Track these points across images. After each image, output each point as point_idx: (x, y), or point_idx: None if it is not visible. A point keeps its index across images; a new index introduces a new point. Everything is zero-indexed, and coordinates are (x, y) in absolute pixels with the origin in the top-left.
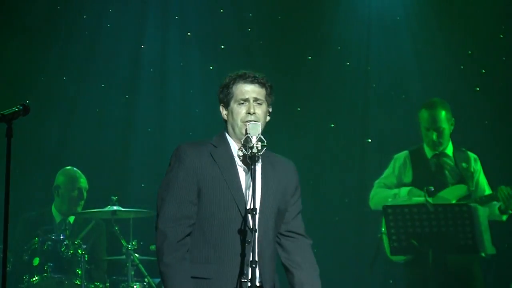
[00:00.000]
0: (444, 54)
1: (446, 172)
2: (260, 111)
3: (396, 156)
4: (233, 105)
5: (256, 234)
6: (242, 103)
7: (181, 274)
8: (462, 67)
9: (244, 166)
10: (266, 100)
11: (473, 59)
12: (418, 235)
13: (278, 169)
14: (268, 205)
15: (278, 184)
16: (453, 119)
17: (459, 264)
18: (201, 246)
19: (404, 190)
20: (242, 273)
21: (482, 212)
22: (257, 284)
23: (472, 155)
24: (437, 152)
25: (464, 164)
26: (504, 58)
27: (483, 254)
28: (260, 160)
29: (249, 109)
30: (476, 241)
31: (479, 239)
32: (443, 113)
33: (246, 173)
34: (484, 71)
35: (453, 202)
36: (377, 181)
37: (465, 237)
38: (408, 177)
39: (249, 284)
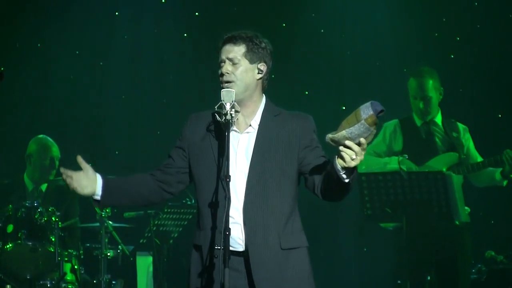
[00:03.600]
0: (418, 22)
1: (437, 139)
2: (236, 70)
3: (386, 124)
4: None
5: (239, 200)
6: (221, 66)
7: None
8: (436, 34)
9: (238, 131)
10: (246, 58)
11: (448, 27)
12: (392, 203)
13: (282, 127)
14: (259, 166)
15: (277, 142)
16: (442, 88)
17: (432, 232)
18: (199, 214)
19: (395, 160)
20: (214, 240)
21: (457, 180)
22: (240, 249)
23: (461, 126)
24: (426, 121)
25: (454, 134)
26: (478, 26)
27: (457, 222)
28: (259, 121)
29: (221, 70)
30: (450, 209)
31: (454, 207)
32: (430, 82)
33: (234, 139)
34: (458, 38)
35: (444, 169)
36: (368, 148)
37: (439, 205)
38: (398, 145)
39: (222, 251)
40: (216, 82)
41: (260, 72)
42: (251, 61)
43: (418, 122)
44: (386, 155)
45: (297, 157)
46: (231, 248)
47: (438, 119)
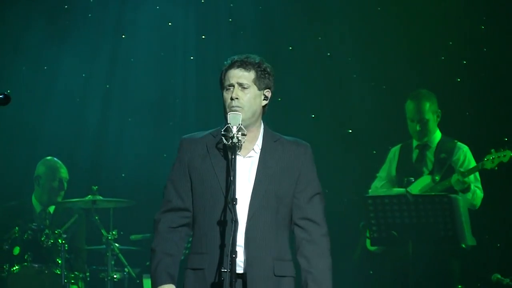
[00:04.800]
0: (425, 45)
1: (423, 162)
2: (245, 96)
3: (391, 149)
4: (223, 92)
5: (241, 223)
6: (228, 89)
7: (161, 263)
8: (443, 58)
9: (241, 155)
10: (256, 84)
11: (454, 50)
12: (398, 226)
13: (282, 153)
14: (261, 191)
15: (277, 168)
16: (439, 110)
17: (438, 255)
18: (197, 237)
19: (377, 183)
20: (222, 263)
21: (463, 203)
22: (242, 271)
23: (460, 145)
24: (421, 143)
25: (442, 155)
26: (485, 49)
27: (463, 246)
28: (261, 146)
29: (231, 94)
30: (456, 232)
31: (460, 230)
32: (427, 105)
33: (239, 162)
34: (465, 62)
35: (416, 193)
36: (377, 174)
37: (445, 228)
38: (393, 169)
39: (229, 274)
40: (221, 104)
41: (265, 98)
42: (259, 88)
43: (414, 143)
44: (386, 179)
45: (295, 186)
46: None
47: (435, 139)
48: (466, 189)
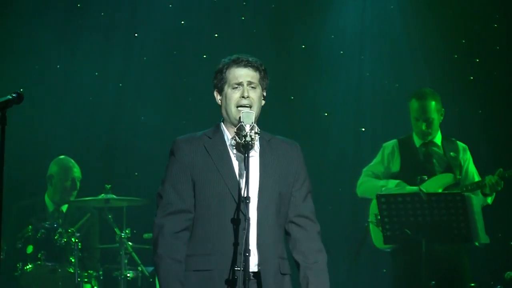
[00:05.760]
0: (437, 43)
1: (434, 160)
2: (254, 95)
3: (384, 144)
4: (227, 90)
5: (251, 222)
6: (236, 87)
7: (171, 270)
8: (455, 56)
9: (239, 154)
10: (260, 84)
11: (467, 48)
12: (411, 224)
13: (279, 152)
14: (268, 191)
15: (278, 168)
16: (443, 109)
17: (451, 253)
18: (201, 238)
19: (392, 183)
20: (235, 262)
21: (476, 201)
22: (255, 270)
23: (461, 145)
24: (425, 141)
25: (452, 153)
26: (498, 47)
27: (476, 244)
28: (259, 145)
29: (243, 93)
30: (469, 230)
31: (473, 228)
32: (432, 104)
33: (241, 161)
34: (478, 60)
35: (439, 191)
36: (365, 169)
37: (458, 226)
38: (396, 166)
39: (242, 272)
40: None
41: (264, 98)
42: (262, 88)
43: (418, 142)
44: (384, 176)
45: (293, 184)
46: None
47: (438, 139)
48: (494, 191)
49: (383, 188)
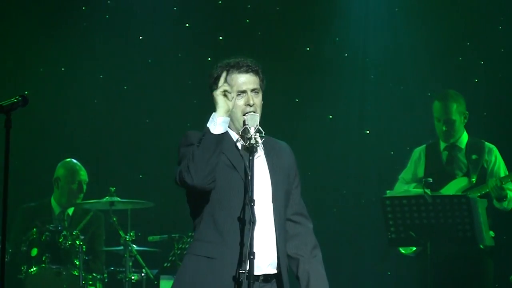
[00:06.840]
0: (442, 46)
1: (455, 164)
2: (258, 100)
3: (414, 150)
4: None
5: (269, 222)
6: (240, 95)
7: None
8: (460, 58)
9: (247, 155)
10: (261, 88)
11: (472, 51)
12: (417, 227)
13: (280, 154)
14: (279, 190)
15: (282, 167)
16: (467, 112)
17: (456, 256)
18: (210, 228)
19: (412, 188)
20: (241, 264)
21: (481, 204)
22: (275, 271)
23: (487, 146)
24: (448, 144)
25: (474, 156)
26: (502, 50)
27: (481, 246)
28: (263, 148)
29: (248, 100)
30: (475, 233)
31: (478, 231)
32: (454, 106)
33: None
34: (482, 62)
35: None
36: (399, 176)
37: (463, 229)
38: (421, 171)
39: (246, 275)
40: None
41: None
42: (262, 91)
43: (442, 145)
44: (412, 181)
45: (292, 182)
46: (266, 272)
47: (463, 141)
48: (504, 197)
49: (388, 191)
